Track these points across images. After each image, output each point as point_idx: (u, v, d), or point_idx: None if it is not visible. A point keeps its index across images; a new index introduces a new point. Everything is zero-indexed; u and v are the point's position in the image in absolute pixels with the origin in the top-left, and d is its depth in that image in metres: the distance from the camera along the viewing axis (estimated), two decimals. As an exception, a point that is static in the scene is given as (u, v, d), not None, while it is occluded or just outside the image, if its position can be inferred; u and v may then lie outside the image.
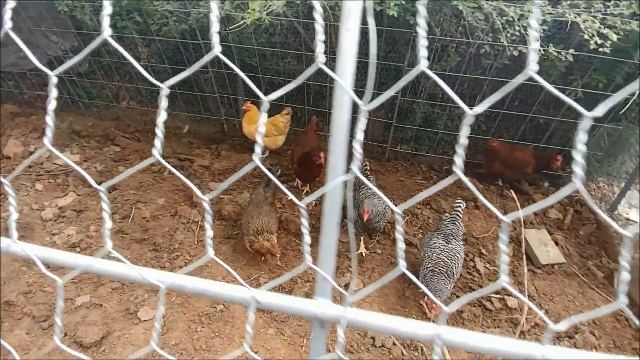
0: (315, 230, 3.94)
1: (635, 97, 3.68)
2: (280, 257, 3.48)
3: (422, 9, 0.64)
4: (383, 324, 0.73)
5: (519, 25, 2.96)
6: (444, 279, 2.95)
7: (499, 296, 3.28)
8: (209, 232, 0.81)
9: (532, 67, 0.62)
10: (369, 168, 3.93)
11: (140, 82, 5.40)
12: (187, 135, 5.42)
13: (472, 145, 5.02)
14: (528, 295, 3.26)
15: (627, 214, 4.49)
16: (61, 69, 0.85)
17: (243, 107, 4.66)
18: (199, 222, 3.92)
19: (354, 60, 0.73)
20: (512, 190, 4.01)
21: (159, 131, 0.76)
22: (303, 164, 4.08)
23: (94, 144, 5.05)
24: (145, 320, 2.98)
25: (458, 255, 3.09)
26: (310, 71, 0.74)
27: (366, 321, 0.74)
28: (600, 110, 0.63)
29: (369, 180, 3.66)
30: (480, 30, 3.37)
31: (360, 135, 0.70)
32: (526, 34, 2.94)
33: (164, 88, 0.76)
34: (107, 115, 5.62)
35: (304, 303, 0.77)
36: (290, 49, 4.64)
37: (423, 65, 0.67)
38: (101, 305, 3.09)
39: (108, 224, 0.82)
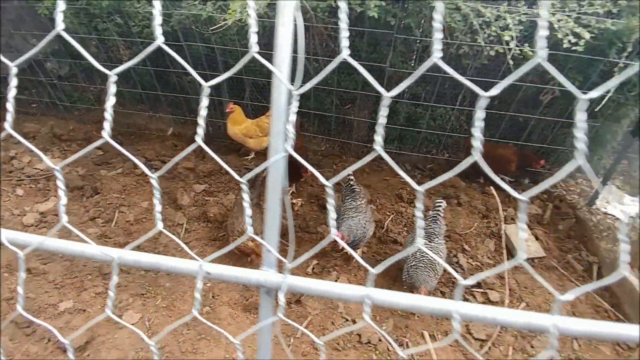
0: (302, 230, 3.96)
1: (610, 94, 3.81)
2: (251, 259, 3.51)
3: (439, 4, 0.69)
4: (318, 287, 0.82)
5: (495, 26, 3.04)
6: (428, 272, 3.00)
7: (481, 290, 3.35)
8: (158, 207, 0.91)
9: (541, 54, 0.66)
10: (353, 180, 3.72)
11: (123, 84, 5.34)
12: (171, 137, 5.39)
13: (454, 144, 5.11)
14: (509, 289, 3.33)
15: (605, 208, 4.62)
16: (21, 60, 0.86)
17: (227, 110, 4.66)
18: (184, 225, 3.91)
19: (289, 52, 0.83)
20: (492, 187, 4.09)
21: (108, 115, 0.80)
22: (289, 169, 4.11)
23: (75, 147, 4.98)
24: (130, 324, 2.95)
25: (441, 253, 3.14)
26: (244, 60, 0.85)
27: (303, 286, 0.83)
28: (595, 93, 0.72)
29: (354, 193, 3.58)
30: (459, 31, 3.44)
31: (292, 117, 0.80)
32: (502, 34, 3.02)
33: (112, 75, 0.84)
34: (89, 118, 5.55)
35: (250, 272, 0.86)
36: (273, 50, 4.64)
37: (436, 56, 0.72)
38: (85, 310, 3.05)
39: (63, 200, 0.90)
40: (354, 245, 3.34)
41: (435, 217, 3.36)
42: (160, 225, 0.82)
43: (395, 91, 0.78)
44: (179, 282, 3.34)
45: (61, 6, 0.75)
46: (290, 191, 4.44)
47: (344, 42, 0.71)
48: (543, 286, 3.47)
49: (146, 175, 4.54)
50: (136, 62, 0.84)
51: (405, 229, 4.04)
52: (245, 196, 0.79)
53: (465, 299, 3.29)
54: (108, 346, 2.81)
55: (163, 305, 3.13)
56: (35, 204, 4.01)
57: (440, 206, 3.41)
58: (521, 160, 4.40)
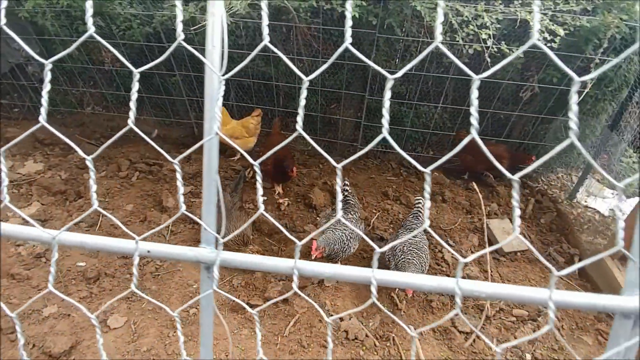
0: (289, 230, 3.98)
1: (587, 89, 3.91)
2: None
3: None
4: (250, 260, 0.89)
5: (473, 25, 3.10)
6: (415, 266, 3.02)
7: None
8: (181, 190, 0.90)
9: (536, 36, 0.71)
10: (348, 188, 3.64)
11: (105, 87, 5.30)
12: (156, 139, 5.35)
13: (438, 142, 5.18)
14: (492, 282, 3.39)
15: (585, 201, 4.73)
16: None
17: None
18: (169, 227, 3.89)
19: (220, 40, 0.88)
20: (474, 183, 4.16)
21: (44, 100, 0.86)
22: (276, 169, 4.12)
23: (58, 151, 4.92)
24: (115, 328, 2.93)
25: (425, 247, 3.19)
26: (172, 47, 0.92)
27: (236, 259, 0.89)
28: (590, 76, 0.79)
29: (347, 205, 3.56)
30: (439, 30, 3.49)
31: (220, 102, 0.86)
32: (479, 32, 3.08)
33: (48, 64, 0.86)
34: (72, 121, 5.48)
35: (187, 250, 0.91)
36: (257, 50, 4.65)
37: (438, 40, 0.77)
38: (69, 315, 3.02)
39: (5, 182, 0.93)
40: (330, 259, 3.23)
41: (416, 214, 3.44)
42: (183, 208, 0.86)
43: (230, 74, 0.86)
44: (165, 284, 3.33)
45: (90, 11, 0.76)
46: (277, 191, 4.45)
47: (265, 31, 0.79)
48: (526, 279, 3.54)
49: (130, 178, 4.51)
50: (159, 61, 0.88)
51: (392, 226, 4.08)
52: (179, 175, 0.85)
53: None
54: (93, 350, 2.78)
55: (149, 308, 3.11)
56: (18, 209, 3.94)
57: (419, 203, 3.50)
58: (513, 159, 4.46)
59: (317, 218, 4.03)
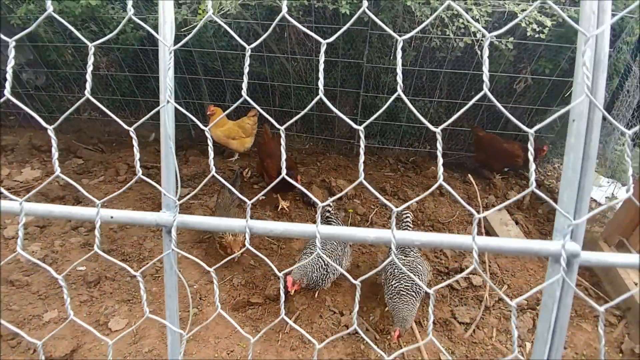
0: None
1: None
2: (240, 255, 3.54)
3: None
4: (207, 221, 0.95)
5: (462, 18, 3.12)
6: (412, 299, 2.76)
7: (464, 276, 3.42)
8: (137, 156, 0.97)
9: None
10: (331, 209, 3.37)
11: (102, 92, 5.31)
12: (153, 143, 5.36)
13: (435, 136, 5.19)
14: (491, 272, 3.41)
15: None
16: None
17: (207, 113, 4.66)
18: (169, 229, 3.90)
19: (170, 16, 0.95)
20: (470, 175, 4.18)
21: (9, 75, 0.88)
22: (281, 182, 3.97)
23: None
24: (116, 331, 2.94)
25: (420, 266, 2.94)
26: (123, 23, 1.19)
27: (193, 221, 0.96)
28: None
29: (330, 222, 3.28)
30: (430, 24, 3.52)
31: (171, 72, 0.92)
32: (469, 25, 3.10)
33: (92, 47, 0.82)
34: (68, 127, 5.49)
35: (146, 214, 0.97)
36: (252, 50, 4.66)
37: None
38: (67, 319, 3.03)
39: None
40: (310, 288, 2.98)
41: (406, 229, 3.17)
42: (213, 170, 0.93)
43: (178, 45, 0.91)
44: (165, 286, 3.33)
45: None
46: (281, 207, 4.33)
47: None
48: (524, 268, 3.56)
49: (128, 181, 4.52)
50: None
51: (390, 221, 4.10)
52: (135, 143, 0.95)
53: (449, 284, 3.36)
54: (95, 353, 2.79)
55: (149, 310, 3.12)
56: (17, 216, 3.95)
57: (408, 218, 3.24)
58: (527, 154, 4.47)
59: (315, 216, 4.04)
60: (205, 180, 1.11)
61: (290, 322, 1.00)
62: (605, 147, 5.02)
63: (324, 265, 2.92)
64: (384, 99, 4.80)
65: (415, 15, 3.36)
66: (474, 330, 3.00)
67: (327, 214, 3.32)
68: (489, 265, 3.50)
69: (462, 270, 3.46)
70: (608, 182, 4.63)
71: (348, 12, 3.45)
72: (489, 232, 3.86)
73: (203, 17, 3.04)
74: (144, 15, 4.20)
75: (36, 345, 2.83)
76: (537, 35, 3.14)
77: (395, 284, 2.83)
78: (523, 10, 3.04)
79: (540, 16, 3.05)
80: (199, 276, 3.43)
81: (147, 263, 3.53)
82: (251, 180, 4.73)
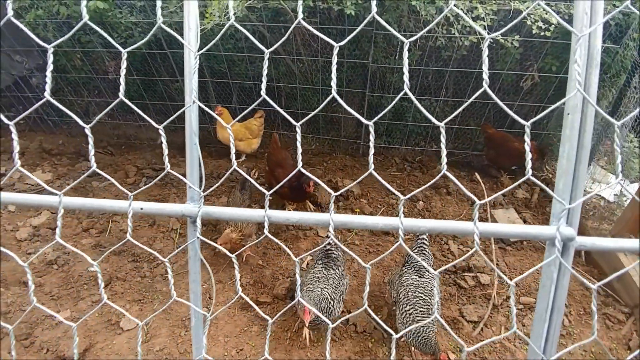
0: (295, 228, 4.02)
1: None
2: (246, 258, 3.59)
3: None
4: (229, 211, 1.02)
5: (468, 17, 3.12)
6: (429, 322, 2.54)
7: (472, 274, 3.42)
8: (166, 152, 0.91)
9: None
10: (332, 243, 3.01)
11: (110, 95, 5.38)
12: (161, 146, 5.41)
13: (440, 136, 5.18)
14: (500, 271, 3.40)
15: (590, 188, 4.71)
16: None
17: (215, 112, 4.69)
18: (178, 230, 3.95)
19: (195, 23, 0.99)
20: (477, 174, 4.16)
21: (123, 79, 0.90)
22: (292, 189, 3.90)
23: (65, 161, 5.00)
24: (127, 330, 2.99)
25: (434, 289, 2.71)
26: (153, 31, 1.03)
27: (215, 212, 1.04)
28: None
29: (329, 259, 2.96)
30: (436, 24, 3.52)
31: (196, 75, 0.98)
32: (475, 24, 3.10)
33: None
34: (78, 131, 5.58)
35: (174, 206, 1.03)
36: (258, 52, 4.72)
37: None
38: (80, 318, 3.08)
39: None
40: (314, 325, 2.73)
41: (422, 247, 3.01)
42: (168, 167, 1.00)
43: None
44: (175, 285, 3.37)
45: None
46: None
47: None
48: (531, 267, 3.55)
49: (138, 184, 4.58)
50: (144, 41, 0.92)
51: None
52: (163, 140, 1.00)
53: (457, 283, 3.36)
54: (107, 352, 2.84)
55: (162, 309, 3.16)
56: (28, 218, 4.03)
57: (424, 237, 3.08)
58: (539, 153, 4.46)
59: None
60: (227, 173, 1.19)
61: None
62: (613, 144, 4.98)
63: (328, 299, 2.71)
64: (389, 98, 4.81)
65: (421, 14, 3.37)
66: (482, 329, 3.00)
67: (328, 246, 3.00)
68: (497, 264, 3.49)
69: (469, 269, 3.46)
70: (616, 179, 4.59)
71: (353, 13, 3.47)
72: (497, 230, 3.85)
73: (210, 20, 3.07)
74: (152, 19, 4.26)
75: (49, 345, 2.89)
76: (542, 33, 3.14)
77: (409, 309, 2.61)
78: (528, 7, 3.03)
79: (546, 14, 3.04)
80: (209, 276, 3.47)
81: (158, 263, 3.58)
82: (258, 181, 4.76)
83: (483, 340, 2.96)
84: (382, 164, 5.07)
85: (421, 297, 2.65)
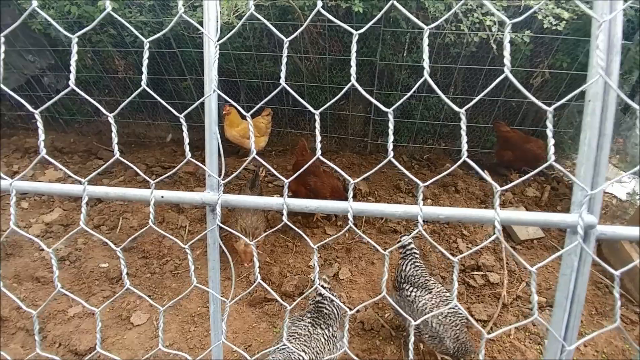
0: (302, 226, 4.03)
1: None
2: (249, 264, 3.53)
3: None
4: (248, 200, 1.05)
5: (477, 12, 3.09)
6: (460, 327, 2.42)
7: (481, 273, 3.39)
8: (187, 140, 0.95)
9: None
10: (325, 290, 2.14)
11: (120, 94, 5.44)
12: (170, 144, 5.47)
13: (449, 133, 5.16)
14: (508, 270, 3.38)
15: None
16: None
17: (223, 112, 4.73)
18: (187, 227, 3.98)
19: (215, 14, 1.05)
20: (486, 172, 4.13)
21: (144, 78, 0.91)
22: (335, 197, 3.82)
23: (77, 159, 5.07)
24: (138, 325, 3.03)
25: (456, 307, 2.42)
26: (175, 20, 1.12)
27: (234, 200, 1.06)
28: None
29: (320, 314, 2.39)
30: (444, 20, 3.50)
31: (216, 64, 1.42)
32: (484, 20, 3.07)
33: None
34: (89, 130, 5.65)
35: (194, 194, 1.07)
36: (265, 51, 4.73)
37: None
38: (94, 314, 3.13)
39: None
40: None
41: (411, 259, 2.70)
42: (189, 156, 1.04)
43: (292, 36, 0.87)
44: (184, 282, 3.41)
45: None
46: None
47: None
48: (542, 266, 3.52)
49: (148, 182, 4.64)
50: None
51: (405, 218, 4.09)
52: (184, 128, 0.96)
53: (465, 282, 3.34)
54: (118, 347, 2.88)
55: (170, 305, 3.19)
56: (41, 215, 4.09)
57: (411, 245, 2.75)
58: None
59: (329, 214, 4.07)
60: (247, 161, 1.23)
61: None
62: (626, 141, 4.91)
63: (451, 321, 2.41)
64: (397, 96, 4.79)
65: (429, 11, 3.34)
66: (491, 328, 2.98)
67: (319, 298, 2.40)
68: (507, 263, 3.46)
69: (478, 267, 3.44)
70: (629, 178, 4.52)
71: (361, 10, 3.46)
72: (506, 229, 3.82)
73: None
74: (160, 18, 4.29)
75: (62, 339, 2.94)
76: (554, 28, 3.10)
77: (448, 335, 2.39)
78: (539, 3, 3.00)
79: (557, 9, 3.00)
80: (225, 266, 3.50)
81: (167, 260, 3.61)
82: (266, 179, 4.78)
83: (493, 340, 2.94)
84: (390, 162, 5.04)
85: (449, 317, 2.40)
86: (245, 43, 4.66)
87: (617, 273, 0.82)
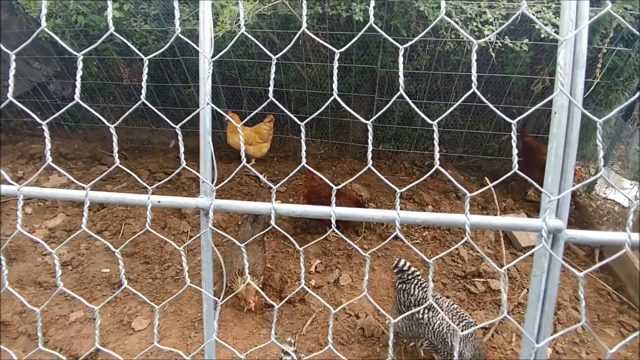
0: (303, 232, 4.04)
1: (597, 79, 3.87)
2: (255, 305, 3.11)
3: None
4: (237, 205, 1.09)
5: (476, 21, 3.13)
6: (477, 341, 2.46)
7: (482, 280, 3.38)
8: (182, 149, 0.99)
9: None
10: (413, 269, 2.66)
11: (124, 101, 5.50)
12: (173, 150, 5.52)
13: (450, 140, 5.17)
14: (510, 277, 3.37)
15: (604, 193, 4.64)
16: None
17: (225, 119, 4.77)
18: (189, 232, 4.00)
19: (209, 32, 1.10)
20: (487, 178, 4.14)
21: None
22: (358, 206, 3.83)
23: (81, 165, 5.13)
24: (139, 330, 3.04)
25: (466, 318, 2.50)
26: (171, 40, 1.14)
27: (227, 204, 1.11)
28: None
29: (415, 280, 2.64)
30: (444, 28, 3.54)
31: (209, 80, 1.43)
32: (482, 29, 3.10)
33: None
34: (93, 136, 5.71)
35: (188, 199, 1.12)
36: (267, 59, 4.79)
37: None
38: (95, 319, 3.14)
39: None
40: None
41: (416, 283, 2.67)
42: (184, 164, 1.04)
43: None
44: (201, 260, 3.43)
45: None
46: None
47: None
48: (511, 266, 3.51)
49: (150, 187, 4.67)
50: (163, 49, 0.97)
51: (406, 224, 4.10)
52: (180, 138, 1.07)
53: (466, 288, 3.33)
54: (119, 352, 2.88)
55: (171, 311, 3.21)
56: (44, 220, 4.13)
57: (411, 268, 2.71)
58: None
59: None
60: (237, 168, 1.28)
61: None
62: (627, 148, 4.90)
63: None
64: (398, 103, 4.82)
65: (429, 19, 3.39)
66: (492, 335, 2.96)
67: (286, 358, 2.17)
68: (508, 269, 3.45)
69: (479, 274, 3.43)
70: (631, 184, 4.51)
71: (362, 19, 3.50)
72: (507, 235, 3.81)
73: (221, 28, 3.14)
74: (165, 27, 4.36)
75: (62, 344, 2.95)
76: (552, 37, 3.12)
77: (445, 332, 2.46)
78: (538, 12, 3.03)
79: (556, 18, 3.03)
80: (216, 278, 3.50)
81: (169, 265, 3.63)
82: (267, 186, 4.81)
83: (495, 347, 2.92)
84: (391, 168, 5.07)
85: (445, 322, 2.43)
86: (248, 51, 4.72)
87: (580, 275, 0.87)
